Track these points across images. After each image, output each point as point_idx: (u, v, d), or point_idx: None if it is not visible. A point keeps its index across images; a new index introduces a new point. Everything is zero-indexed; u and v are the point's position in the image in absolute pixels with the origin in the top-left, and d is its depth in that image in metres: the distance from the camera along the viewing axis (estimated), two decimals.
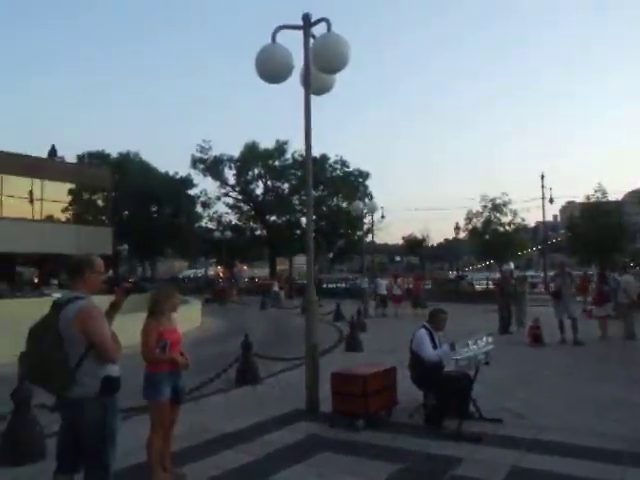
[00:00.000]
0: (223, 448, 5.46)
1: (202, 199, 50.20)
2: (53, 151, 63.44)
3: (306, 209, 7.63)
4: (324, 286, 36.08)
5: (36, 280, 41.22)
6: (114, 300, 3.60)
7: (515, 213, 41.00)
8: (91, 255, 3.52)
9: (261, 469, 4.92)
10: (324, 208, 45.35)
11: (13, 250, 32.23)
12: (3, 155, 32.02)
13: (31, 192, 33.10)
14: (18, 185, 32.34)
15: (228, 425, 6.24)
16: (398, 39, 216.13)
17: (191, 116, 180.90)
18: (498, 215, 41.26)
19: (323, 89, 7.44)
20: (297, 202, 47.10)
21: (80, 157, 50.84)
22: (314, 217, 7.46)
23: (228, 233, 43.93)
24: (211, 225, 50.84)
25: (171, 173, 51.50)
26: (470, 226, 42.96)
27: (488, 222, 41.49)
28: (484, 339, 6.22)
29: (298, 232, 46.50)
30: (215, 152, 47.93)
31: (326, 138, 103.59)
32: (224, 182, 49.00)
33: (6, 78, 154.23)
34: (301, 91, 7.15)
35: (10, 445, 4.99)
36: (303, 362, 7.69)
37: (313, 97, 7.17)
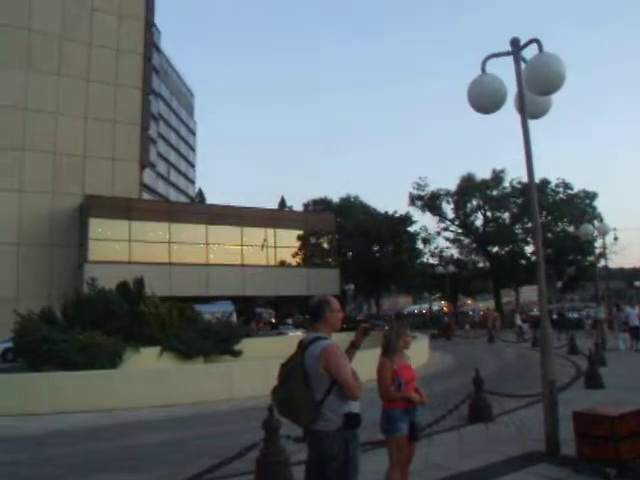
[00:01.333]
0: None
1: (422, 235, 51.01)
2: (282, 202, 69.87)
3: (532, 237, 7.33)
4: (568, 316, 33.03)
5: (273, 320, 45.00)
6: (354, 339, 3.78)
7: None
8: (328, 295, 3.75)
9: None
10: (549, 235, 42.86)
11: (254, 294, 35.91)
12: (243, 210, 36.25)
13: (266, 240, 36.57)
14: (255, 235, 36.05)
15: (463, 463, 6.11)
16: (622, 50, 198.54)
17: (406, 155, 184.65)
18: None
19: (540, 112, 7.05)
20: (519, 231, 45.38)
21: (305, 205, 55.14)
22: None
23: (451, 267, 43.57)
24: (433, 260, 51.13)
25: (390, 212, 53.00)
26: None
27: None
28: None
29: (523, 262, 44.46)
30: (432, 187, 48.49)
31: (545, 161, 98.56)
32: (443, 217, 49.23)
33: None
34: (516, 116, 6.92)
35: (261, 470, 5.45)
36: (538, 399, 7.29)
37: (530, 121, 6.88)
